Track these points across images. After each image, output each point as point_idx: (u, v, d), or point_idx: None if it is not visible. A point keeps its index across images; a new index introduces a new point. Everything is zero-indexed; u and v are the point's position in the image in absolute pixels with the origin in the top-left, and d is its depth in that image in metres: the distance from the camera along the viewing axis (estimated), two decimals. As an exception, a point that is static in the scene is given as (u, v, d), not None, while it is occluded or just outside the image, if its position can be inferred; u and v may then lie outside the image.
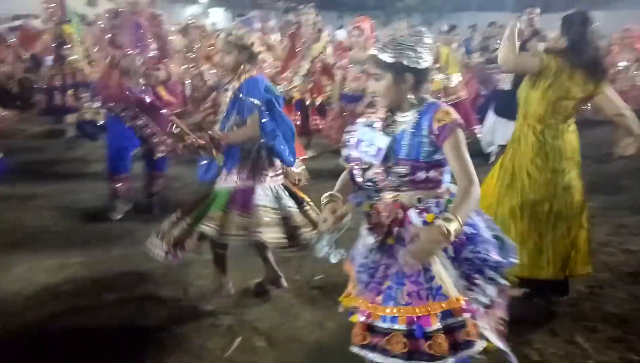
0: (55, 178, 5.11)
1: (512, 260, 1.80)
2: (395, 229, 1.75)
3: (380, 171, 1.77)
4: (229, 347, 2.48)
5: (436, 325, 1.63)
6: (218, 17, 20.34)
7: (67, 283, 3.09)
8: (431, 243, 1.57)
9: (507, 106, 5.14)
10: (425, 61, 1.74)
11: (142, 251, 3.42)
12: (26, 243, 3.63)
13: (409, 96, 1.76)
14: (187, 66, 6.26)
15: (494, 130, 5.55)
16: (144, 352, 2.46)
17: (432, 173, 1.75)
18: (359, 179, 1.82)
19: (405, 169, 1.74)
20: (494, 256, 1.74)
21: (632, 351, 2.48)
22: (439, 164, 1.76)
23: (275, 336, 2.58)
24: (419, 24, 5.09)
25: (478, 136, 6.05)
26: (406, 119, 1.77)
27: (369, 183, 1.80)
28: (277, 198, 2.72)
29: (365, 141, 1.78)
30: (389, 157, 1.75)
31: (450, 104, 1.92)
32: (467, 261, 1.72)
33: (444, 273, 1.68)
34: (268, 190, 2.72)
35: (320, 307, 2.80)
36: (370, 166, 1.78)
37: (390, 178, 1.76)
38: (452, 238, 1.55)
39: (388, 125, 1.81)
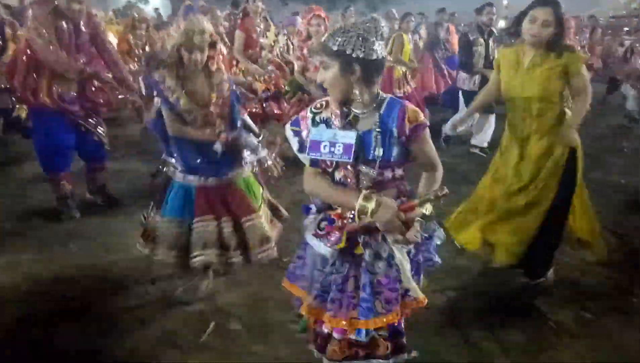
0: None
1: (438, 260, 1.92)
2: (364, 237, 1.70)
3: (350, 172, 1.70)
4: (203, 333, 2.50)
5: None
6: (157, 4, 19.66)
7: (25, 280, 2.98)
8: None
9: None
10: (376, 52, 1.61)
11: (102, 244, 3.40)
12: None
13: (357, 90, 1.66)
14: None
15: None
16: (117, 342, 2.43)
17: (398, 171, 1.75)
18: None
19: (376, 170, 1.68)
20: (436, 258, 1.89)
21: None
22: (404, 162, 1.76)
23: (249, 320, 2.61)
24: (362, 11, 5.03)
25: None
26: (367, 117, 1.69)
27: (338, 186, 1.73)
28: None
29: (324, 141, 1.67)
30: (358, 157, 1.67)
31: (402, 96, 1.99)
32: (416, 263, 1.83)
33: (410, 275, 1.75)
34: None
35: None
36: (337, 167, 1.71)
37: (362, 178, 1.69)
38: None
39: (348, 121, 1.70)
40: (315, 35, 4.79)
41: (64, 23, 3.45)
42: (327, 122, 1.71)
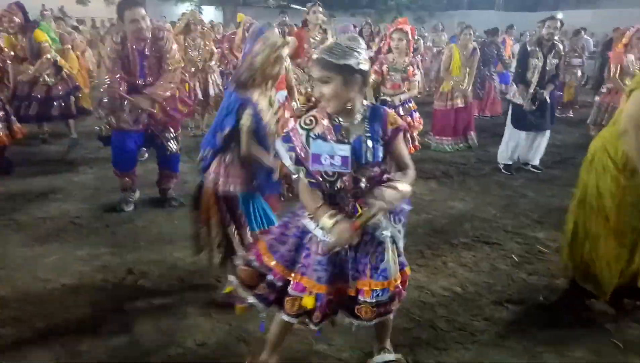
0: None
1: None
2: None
3: (348, 179, 1.89)
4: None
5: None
6: (211, 16, 20.29)
7: (99, 271, 3.17)
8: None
9: (521, 118, 5.34)
10: (366, 64, 1.84)
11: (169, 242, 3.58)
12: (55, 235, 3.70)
13: (355, 99, 1.86)
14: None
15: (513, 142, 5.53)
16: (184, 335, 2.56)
17: (383, 166, 1.97)
18: (328, 190, 1.93)
19: (371, 172, 1.91)
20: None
21: None
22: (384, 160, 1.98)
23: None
24: (411, 23, 5.01)
25: None
26: (357, 125, 1.90)
27: (341, 193, 1.92)
28: None
29: (324, 155, 1.85)
30: (353, 165, 1.86)
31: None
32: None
33: (392, 257, 1.94)
34: None
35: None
36: (339, 176, 1.89)
37: (360, 183, 1.90)
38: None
39: (341, 134, 1.89)
40: (397, 50, 4.68)
41: (129, 48, 3.74)
42: (323, 137, 1.88)
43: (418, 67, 4.89)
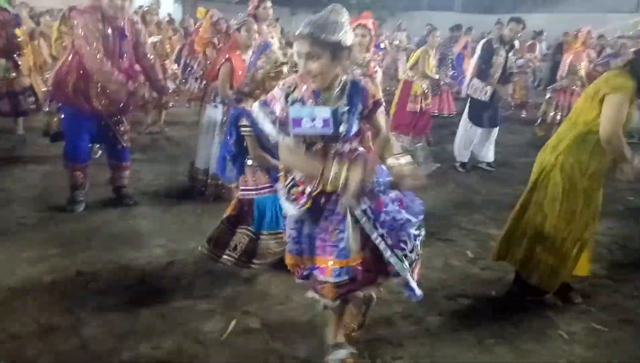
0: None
1: (421, 216, 2.11)
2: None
3: (321, 146, 1.91)
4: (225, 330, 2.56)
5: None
6: (169, 9, 19.84)
7: (47, 273, 3.04)
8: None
9: (479, 114, 5.50)
10: (352, 38, 1.86)
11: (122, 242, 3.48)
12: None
13: (340, 73, 1.88)
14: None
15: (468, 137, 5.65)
16: (140, 336, 2.49)
17: (354, 144, 1.97)
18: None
19: (344, 143, 1.92)
20: (405, 214, 2.04)
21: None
22: (359, 135, 1.99)
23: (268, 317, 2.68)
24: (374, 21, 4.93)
25: None
26: (335, 97, 1.89)
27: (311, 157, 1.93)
28: None
29: (304, 118, 1.82)
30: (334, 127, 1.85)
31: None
32: (385, 223, 1.98)
33: (352, 235, 1.94)
34: None
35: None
36: (313, 143, 1.90)
37: (332, 151, 1.90)
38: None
39: (320, 100, 1.89)
40: (359, 45, 4.54)
41: (109, 30, 3.58)
42: (302, 101, 1.88)
43: (379, 65, 4.87)
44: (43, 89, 5.62)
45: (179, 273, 3.11)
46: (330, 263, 1.98)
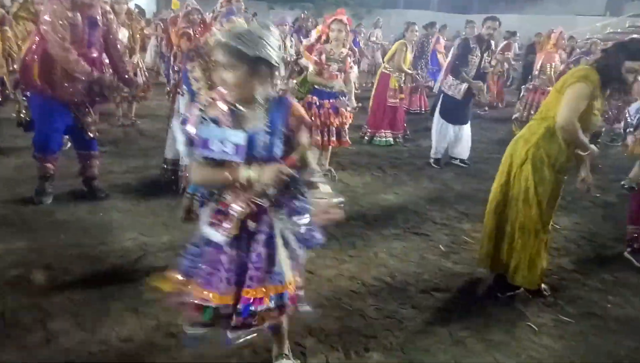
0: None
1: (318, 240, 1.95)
2: (248, 222, 1.83)
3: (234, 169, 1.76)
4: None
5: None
6: (141, 1, 19.46)
7: (14, 267, 2.95)
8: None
9: (450, 111, 5.59)
10: (276, 56, 1.72)
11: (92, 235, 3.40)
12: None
13: (260, 90, 1.76)
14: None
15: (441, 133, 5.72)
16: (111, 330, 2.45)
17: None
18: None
19: (261, 166, 1.75)
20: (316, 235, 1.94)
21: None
22: (283, 157, 1.82)
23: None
24: (349, 18, 4.93)
25: None
26: (256, 115, 1.77)
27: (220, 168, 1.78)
28: None
29: (213, 140, 1.70)
30: (245, 155, 1.74)
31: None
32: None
33: (285, 259, 1.84)
34: None
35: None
36: (224, 162, 1.74)
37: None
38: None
39: (237, 120, 1.75)
40: (335, 41, 4.64)
41: (79, 16, 3.48)
42: (216, 121, 1.74)
43: (355, 62, 4.88)
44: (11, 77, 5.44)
45: (151, 267, 3.05)
46: (263, 290, 1.85)
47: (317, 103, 4.72)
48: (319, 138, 4.73)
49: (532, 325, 2.74)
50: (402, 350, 2.46)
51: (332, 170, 5.06)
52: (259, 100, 1.78)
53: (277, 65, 1.74)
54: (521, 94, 7.41)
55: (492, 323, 2.74)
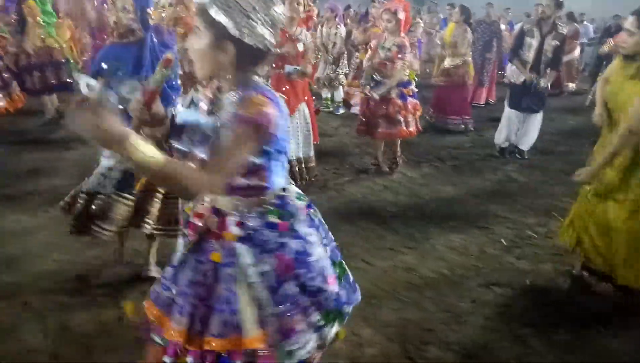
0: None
1: (356, 297, 1.59)
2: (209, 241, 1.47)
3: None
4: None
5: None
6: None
7: None
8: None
9: (517, 98, 5.28)
10: (254, 36, 1.32)
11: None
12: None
13: (228, 74, 1.38)
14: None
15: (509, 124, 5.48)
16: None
17: (254, 180, 1.42)
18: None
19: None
20: (332, 286, 1.50)
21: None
22: (260, 168, 1.41)
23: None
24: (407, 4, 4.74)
25: None
26: (223, 107, 1.40)
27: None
28: None
29: (189, 125, 1.44)
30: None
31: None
32: (291, 297, 1.44)
33: (249, 310, 1.42)
34: None
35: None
36: (188, 155, 1.41)
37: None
38: None
39: (212, 107, 1.43)
40: (386, 31, 4.58)
41: None
42: (197, 104, 1.48)
43: (407, 51, 4.67)
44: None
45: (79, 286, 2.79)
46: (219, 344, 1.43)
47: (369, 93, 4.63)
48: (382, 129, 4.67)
49: (601, 327, 2.60)
50: (460, 345, 2.43)
51: (400, 160, 4.99)
52: (228, 89, 1.41)
53: (250, 47, 1.33)
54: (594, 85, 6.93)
55: (556, 322, 2.63)
